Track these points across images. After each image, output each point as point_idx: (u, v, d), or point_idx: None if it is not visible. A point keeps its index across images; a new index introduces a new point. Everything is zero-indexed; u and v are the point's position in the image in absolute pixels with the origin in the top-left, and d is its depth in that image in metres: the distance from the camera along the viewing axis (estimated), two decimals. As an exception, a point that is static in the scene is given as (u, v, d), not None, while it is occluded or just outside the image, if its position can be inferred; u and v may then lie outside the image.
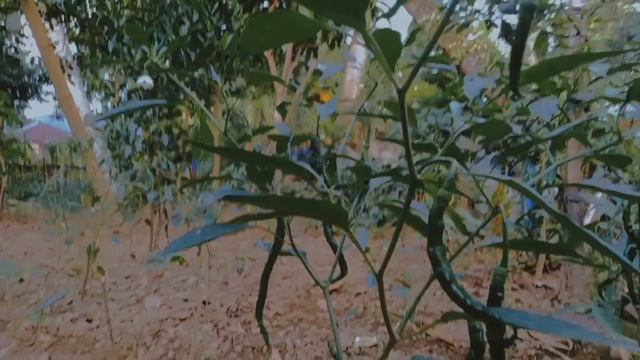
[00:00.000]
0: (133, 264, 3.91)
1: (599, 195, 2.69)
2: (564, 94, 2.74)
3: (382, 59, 0.33)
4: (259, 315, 0.62)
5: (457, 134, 0.42)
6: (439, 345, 1.97)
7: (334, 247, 0.66)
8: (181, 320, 2.29)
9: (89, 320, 2.36)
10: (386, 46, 0.35)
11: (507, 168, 5.25)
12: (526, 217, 3.40)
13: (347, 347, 1.93)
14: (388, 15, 0.49)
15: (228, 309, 2.41)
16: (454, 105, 0.44)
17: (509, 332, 0.44)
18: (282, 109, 0.73)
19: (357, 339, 1.98)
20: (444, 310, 2.46)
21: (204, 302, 2.45)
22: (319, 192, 0.48)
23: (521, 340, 1.91)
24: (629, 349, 1.60)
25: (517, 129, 0.46)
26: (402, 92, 0.30)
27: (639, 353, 1.56)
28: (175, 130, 2.72)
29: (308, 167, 0.44)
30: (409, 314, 0.51)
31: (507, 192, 5.23)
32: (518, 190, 0.33)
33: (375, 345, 1.95)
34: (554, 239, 3.46)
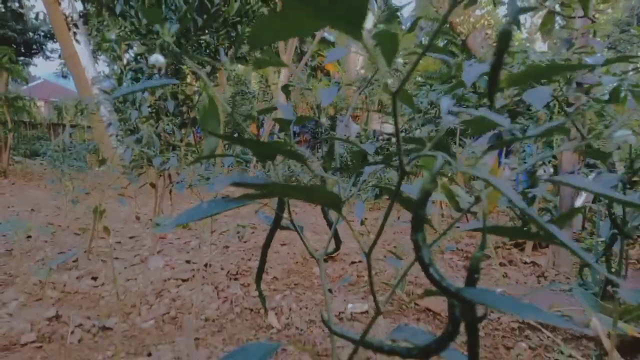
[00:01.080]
0: (137, 225, 3.99)
1: (591, 177, 2.72)
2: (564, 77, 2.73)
3: (380, 59, 0.36)
4: (258, 282, 0.67)
5: (444, 130, 0.45)
6: (426, 315, 2.05)
7: (329, 223, 0.70)
8: (183, 281, 2.37)
9: (94, 278, 2.44)
10: (384, 45, 0.38)
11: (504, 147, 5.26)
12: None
13: (339, 313, 2.01)
14: None
15: (228, 272, 2.49)
16: (444, 103, 0.47)
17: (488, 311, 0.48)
18: (285, 89, 0.76)
19: (350, 306, 2.05)
20: (434, 282, 2.54)
21: (205, 265, 2.52)
22: (315, 175, 0.51)
23: (504, 314, 1.99)
24: (603, 326, 1.66)
25: (506, 123, 0.49)
26: (394, 95, 0.33)
27: (614, 330, 1.63)
28: (181, 96, 2.73)
29: (307, 152, 0.47)
30: (397, 284, 0.55)
31: (504, 169, 5.26)
32: (495, 187, 0.37)
33: (367, 312, 2.03)
34: (546, 218, 3.52)
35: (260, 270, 0.66)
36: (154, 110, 2.66)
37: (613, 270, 1.52)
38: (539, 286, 2.62)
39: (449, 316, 0.48)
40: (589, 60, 0.81)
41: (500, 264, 3.04)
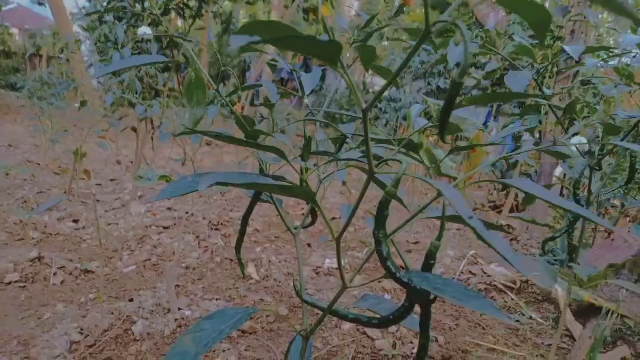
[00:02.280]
0: (118, 168, 4.00)
1: (574, 149, 2.81)
2: (558, 44, 2.74)
3: (355, 92, 0.39)
4: (238, 250, 0.72)
5: (415, 131, 0.49)
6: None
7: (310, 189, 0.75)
8: (165, 228, 2.44)
9: (75, 221, 2.49)
10: (364, 56, 0.42)
11: (495, 107, 5.30)
12: (502, 161, 3.53)
13: (317, 267, 2.12)
14: None
15: (210, 222, 2.56)
16: (414, 111, 0.50)
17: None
18: (272, 65, 0.78)
19: (327, 261, 2.16)
20: (410, 241, 2.66)
21: (187, 214, 2.59)
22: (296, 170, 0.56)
23: (474, 275, 2.12)
24: (562, 292, 1.80)
25: (480, 115, 0.52)
26: (365, 112, 0.37)
27: (568, 296, 1.76)
28: (165, 40, 2.66)
29: (287, 142, 0.51)
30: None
31: (491, 131, 5.34)
32: (443, 194, 0.42)
33: (345, 268, 2.14)
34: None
35: (240, 239, 0.71)
36: (137, 53, 2.60)
37: (584, 241, 1.63)
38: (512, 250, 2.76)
39: (406, 296, 0.55)
40: (568, 49, 0.85)
41: (477, 226, 3.18)
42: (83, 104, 2.44)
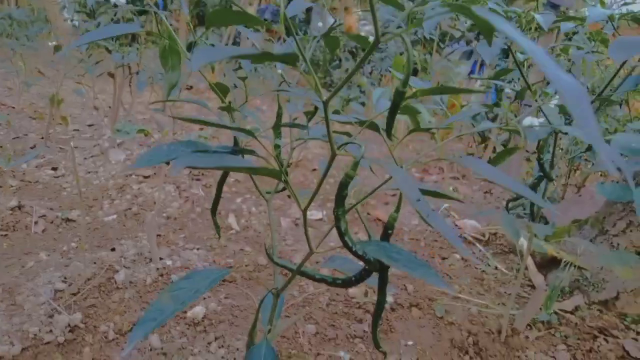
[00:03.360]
0: (95, 113, 3.93)
1: (552, 104, 2.86)
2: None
3: (317, 88, 0.42)
4: (213, 213, 0.76)
5: (377, 115, 0.52)
6: (376, 224, 2.26)
7: (280, 164, 0.78)
8: (145, 177, 2.45)
9: (54, 168, 2.48)
10: (329, 45, 0.44)
11: (480, 59, 5.27)
12: (482, 113, 3.58)
13: (296, 219, 2.19)
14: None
15: (190, 172, 2.58)
16: (375, 94, 0.52)
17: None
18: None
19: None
20: (387, 194, 2.74)
21: (167, 163, 2.59)
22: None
23: (447, 227, 2.22)
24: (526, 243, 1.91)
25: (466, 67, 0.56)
26: (325, 104, 0.39)
27: (534, 248, 1.88)
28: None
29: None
30: (358, 202, 0.65)
31: (476, 83, 5.34)
32: (393, 177, 0.45)
33: (321, 219, 2.21)
34: (504, 137, 3.73)
35: (215, 203, 0.75)
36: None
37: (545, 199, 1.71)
38: (485, 202, 2.88)
39: (365, 263, 0.60)
40: (538, 18, 0.86)
41: (453, 178, 3.27)
42: (57, 48, 2.36)
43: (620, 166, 0.53)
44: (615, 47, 0.52)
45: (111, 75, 2.90)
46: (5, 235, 1.76)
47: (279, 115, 0.62)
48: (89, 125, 3.57)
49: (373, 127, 0.51)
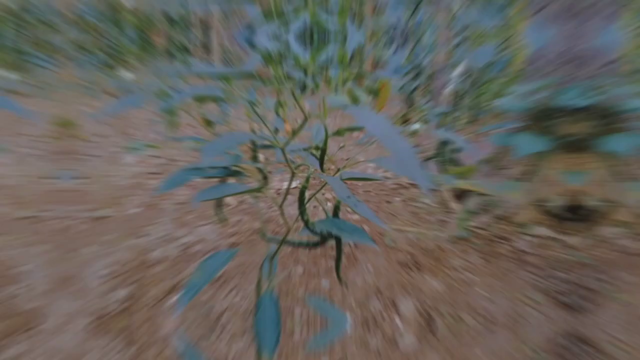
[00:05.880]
0: (99, 122, 3.84)
1: (456, 72, 3.00)
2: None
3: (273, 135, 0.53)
4: (218, 210, 0.88)
5: (320, 143, 0.64)
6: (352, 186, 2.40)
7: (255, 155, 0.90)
8: (155, 174, 2.50)
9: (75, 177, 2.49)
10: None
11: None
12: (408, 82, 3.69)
13: (277, 190, 2.31)
14: None
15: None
16: (314, 129, 0.64)
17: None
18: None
19: (285, 183, 2.35)
20: (343, 157, 2.87)
21: (171, 160, 2.64)
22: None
23: (389, 178, 2.39)
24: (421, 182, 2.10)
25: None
26: (282, 149, 0.50)
27: (451, 184, 2.07)
28: None
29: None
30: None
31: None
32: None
33: (296, 187, 2.34)
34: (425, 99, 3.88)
35: (219, 201, 0.86)
36: None
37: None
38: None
39: (321, 237, 0.73)
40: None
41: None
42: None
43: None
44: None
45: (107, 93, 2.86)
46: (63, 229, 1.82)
47: (254, 144, 0.73)
48: (95, 135, 3.51)
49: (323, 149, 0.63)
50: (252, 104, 0.51)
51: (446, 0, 2.65)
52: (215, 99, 0.75)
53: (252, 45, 0.85)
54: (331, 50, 0.93)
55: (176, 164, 2.64)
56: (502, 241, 1.75)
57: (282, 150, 0.51)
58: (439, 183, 2.29)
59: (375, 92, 0.78)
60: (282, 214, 0.69)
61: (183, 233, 1.77)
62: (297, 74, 0.49)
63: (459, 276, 1.50)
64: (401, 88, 3.68)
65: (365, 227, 1.83)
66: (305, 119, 0.44)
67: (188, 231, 1.80)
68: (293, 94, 0.42)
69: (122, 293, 1.37)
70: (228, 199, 2.15)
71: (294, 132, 0.47)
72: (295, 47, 0.75)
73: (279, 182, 2.42)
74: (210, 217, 1.99)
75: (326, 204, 2.08)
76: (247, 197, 2.20)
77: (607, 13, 1.66)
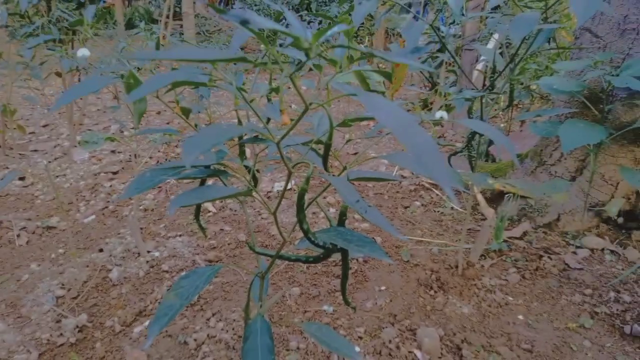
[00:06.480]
0: (46, 111, 3.86)
1: (490, 45, 3.03)
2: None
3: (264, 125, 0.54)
4: (197, 218, 0.89)
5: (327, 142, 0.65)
6: (360, 187, 2.42)
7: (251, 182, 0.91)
8: (114, 174, 2.51)
9: (22, 178, 2.50)
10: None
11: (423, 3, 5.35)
12: (430, 60, 3.73)
13: (267, 192, 2.32)
14: None
15: (157, 162, 2.65)
16: (315, 119, 0.66)
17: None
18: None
19: (276, 184, 2.36)
20: (349, 152, 2.89)
21: (135, 156, 2.65)
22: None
23: (405, 178, 2.41)
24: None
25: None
26: (278, 144, 0.52)
27: (483, 185, 2.09)
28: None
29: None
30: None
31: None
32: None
33: (291, 189, 2.36)
34: (452, 78, 3.91)
35: (198, 208, 0.88)
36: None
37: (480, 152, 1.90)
38: (439, 147, 3.07)
39: (325, 250, 0.75)
40: (450, 1, 0.99)
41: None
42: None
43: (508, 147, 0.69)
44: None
45: (58, 74, 2.87)
46: (-8, 252, 1.83)
47: (242, 151, 0.74)
48: (44, 126, 3.52)
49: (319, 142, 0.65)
50: (240, 90, 0.52)
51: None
52: (196, 84, 0.77)
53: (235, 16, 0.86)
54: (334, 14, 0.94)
55: (140, 161, 2.65)
56: (546, 255, 1.77)
57: (278, 145, 0.52)
58: (468, 183, 2.31)
59: (388, 74, 0.79)
60: (276, 222, 0.71)
61: (150, 247, 1.79)
62: (294, 52, 0.50)
63: (493, 298, 1.51)
64: (423, 62, 3.71)
65: (377, 238, 1.85)
66: (306, 108, 0.46)
67: (156, 244, 1.81)
68: (291, 79, 0.44)
69: (74, 321, 1.39)
70: (206, 205, 2.17)
71: (293, 124, 0.48)
72: (291, 17, 0.76)
73: (269, 182, 2.43)
74: (183, 226, 2.00)
75: (329, 210, 2.10)
76: (229, 202, 2.21)
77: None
